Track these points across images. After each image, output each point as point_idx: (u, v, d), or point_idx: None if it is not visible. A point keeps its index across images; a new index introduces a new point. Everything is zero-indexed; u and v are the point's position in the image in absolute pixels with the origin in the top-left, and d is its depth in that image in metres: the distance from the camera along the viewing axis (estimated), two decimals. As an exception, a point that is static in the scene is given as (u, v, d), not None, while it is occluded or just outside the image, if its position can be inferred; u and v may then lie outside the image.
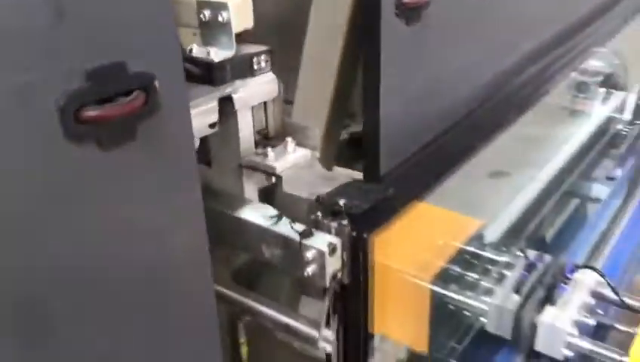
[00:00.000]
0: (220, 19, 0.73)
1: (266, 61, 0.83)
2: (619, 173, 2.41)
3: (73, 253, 0.55)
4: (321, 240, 0.82)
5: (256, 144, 0.99)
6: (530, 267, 1.57)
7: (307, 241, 0.82)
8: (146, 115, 0.58)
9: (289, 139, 0.98)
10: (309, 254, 0.82)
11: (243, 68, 0.80)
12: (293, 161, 0.97)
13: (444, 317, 1.55)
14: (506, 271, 1.58)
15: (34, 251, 0.51)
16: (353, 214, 0.84)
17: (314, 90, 1.22)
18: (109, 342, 0.60)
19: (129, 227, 0.59)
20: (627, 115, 2.46)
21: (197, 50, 0.76)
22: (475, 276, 1.59)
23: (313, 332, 0.90)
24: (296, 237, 0.82)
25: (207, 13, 0.74)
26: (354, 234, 0.80)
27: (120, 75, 0.54)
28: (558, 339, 1.43)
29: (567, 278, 1.54)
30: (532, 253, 1.65)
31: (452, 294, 1.54)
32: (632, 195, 2.32)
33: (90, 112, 0.51)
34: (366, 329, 0.89)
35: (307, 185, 0.92)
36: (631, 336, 1.41)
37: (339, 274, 0.84)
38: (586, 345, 1.42)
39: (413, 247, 1.10)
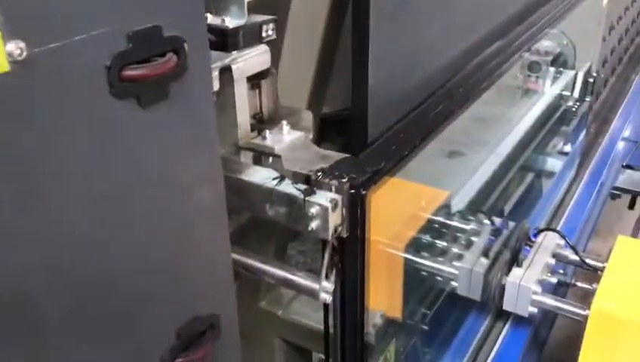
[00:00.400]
0: None
1: (273, 29, 0.88)
2: (570, 147, 2.55)
3: (109, 199, 0.59)
4: (323, 197, 0.88)
5: (252, 128, 1.03)
6: (496, 232, 1.68)
7: (310, 198, 0.88)
8: (176, 75, 0.62)
9: (284, 122, 1.03)
10: (313, 210, 0.88)
11: (253, 35, 0.85)
12: (290, 142, 1.01)
13: (418, 284, 1.64)
14: (473, 238, 1.68)
15: (78, 192, 0.56)
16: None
17: (295, 74, 1.28)
18: (136, 283, 0.65)
19: (159, 180, 0.64)
20: (576, 93, 2.60)
21: (211, 19, 0.81)
22: (445, 243, 1.68)
23: (314, 285, 0.95)
24: (300, 195, 0.89)
25: None
26: (352, 191, 0.87)
27: (156, 38, 0.59)
28: (524, 297, 1.54)
29: (531, 241, 1.65)
30: (497, 220, 1.76)
31: (424, 261, 1.64)
32: (584, 167, 2.46)
33: (133, 71, 0.57)
34: (363, 280, 0.95)
35: (304, 163, 0.97)
36: (589, 293, 1.53)
37: (339, 229, 0.90)
38: (550, 301, 1.53)
39: (386, 219, 1.17)
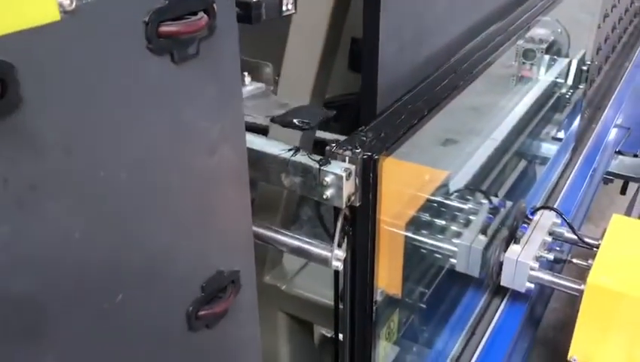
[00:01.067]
0: None
1: (293, 3, 0.91)
2: (564, 133, 2.60)
3: (141, 153, 0.62)
4: (337, 167, 0.91)
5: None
6: (494, 211, 1.72)
7: (325, 168, 0.91)
8: (206, 34, 0.65)
9: (245, 73, 1.07)
10: (328, 179, 0.91)
11: (274, 8, 0.87)
12: (250, 92, 1.06)
13: (418, 261, 1.68)
14: (472, 217, 1.72)
15: (115, 144, 0.59)
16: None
17: (299, 68, 1.33)
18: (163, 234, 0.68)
19: (188, 136, 0.67)
20: (570, 80, 2.64)
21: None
22: (444, 222, 1.72)
23: (326, 253, 0.98)
24: (315, 165, 0.91)
25: None
26: (365, 156, 0.90)
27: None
28: (521, 273, 1.58)
29: (528, 219, 1.69)
30: (495, 199, 1.80)
31: (424, 238, 1.68)
32: (578, 152, 2.51)
33: (170, 27, 0.59)
34: (373, 248, 0.98)
35: (264, 110, 1.04)
36: (583, 270, 1.58)
37: (352, 198, 0.93)
38: (547, 276, 1.58)
39: (392, 195, 1.20)
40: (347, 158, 0.92)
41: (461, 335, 1.66)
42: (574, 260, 1.64)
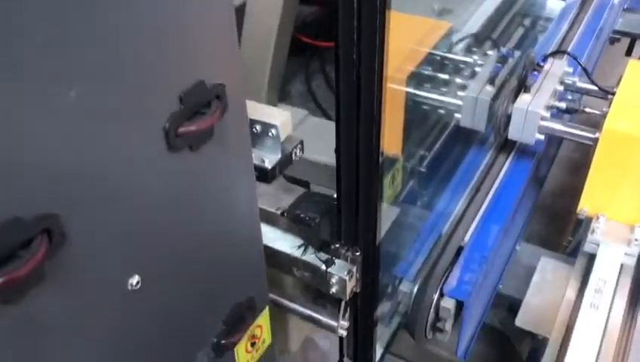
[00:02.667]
0: (270, 133, 0.98)
1: (301, 148, 1.03)
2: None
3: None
4: (342, 268, 1.06)
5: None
6: (501, 60, 1.60)
7: (331, 270, 1.05)
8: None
9: None
10: (334, 279, 1.06)
11: (286, 163, 1.00)
12: None
13: (421, 117, 1.57)
14: (478, 68, 1.59)
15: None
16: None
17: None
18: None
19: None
20: None
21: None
22: (448, 76, 1.60)
23: (333, 322, 1.12)
24: (322, 266, 1.06)
25: (258, 127, 0.97)
26: None
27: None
28: (531, 123, 1.48)
29: (539, 66, 1.57)
30: (502, 49, 1.67)
31: (427, 93, 1.56)
32: (584, 11, 2.35)
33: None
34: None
35: (273, 200, 1.15)
36: (596, 118, 1.48)
37: (354, 289, 1.09)
38: (559, 126, 1.48)
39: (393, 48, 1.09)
40: (349, 258, 1.07)
41: (465, 193, 1.59)
42: (587, 109, 1.54)
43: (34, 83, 0.46)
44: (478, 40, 1.63)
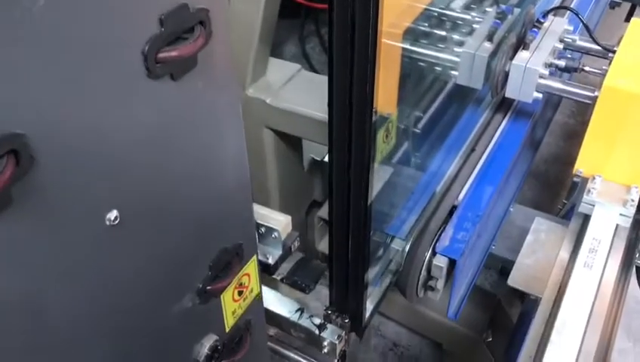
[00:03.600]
0: (273, 236, 1.13)
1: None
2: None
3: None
4: (333, 333, 1.24)
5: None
6: (500, 16, 1.55)
7: (323, 334, 1.23)
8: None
9: None
10: (325, 342, 1.24)
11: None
12: None
13: (416, 75, 1.53)
14: (475, 25, 1.55)
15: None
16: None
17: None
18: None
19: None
20: None
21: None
22: (445, 32, 1.55)
23: None
24: (316, 331, 1.23)
25: (262, 229, 1.13)
26: None
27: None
28: (529, 81, 1.44)
29: (539, 23, 1.52)
30: (501, 6, 1.62)
31: (423, 50, 1.51)
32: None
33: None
34: (374, 56, 0.97)
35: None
36: (596, 78, 1.44)
37: (344, 349, 1.26)
38: (557, 84, 1.44)
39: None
40: (339, 323, 1.25)
41: (460, 152, 1.56)
42: (586, 68, 1.51)
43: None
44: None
